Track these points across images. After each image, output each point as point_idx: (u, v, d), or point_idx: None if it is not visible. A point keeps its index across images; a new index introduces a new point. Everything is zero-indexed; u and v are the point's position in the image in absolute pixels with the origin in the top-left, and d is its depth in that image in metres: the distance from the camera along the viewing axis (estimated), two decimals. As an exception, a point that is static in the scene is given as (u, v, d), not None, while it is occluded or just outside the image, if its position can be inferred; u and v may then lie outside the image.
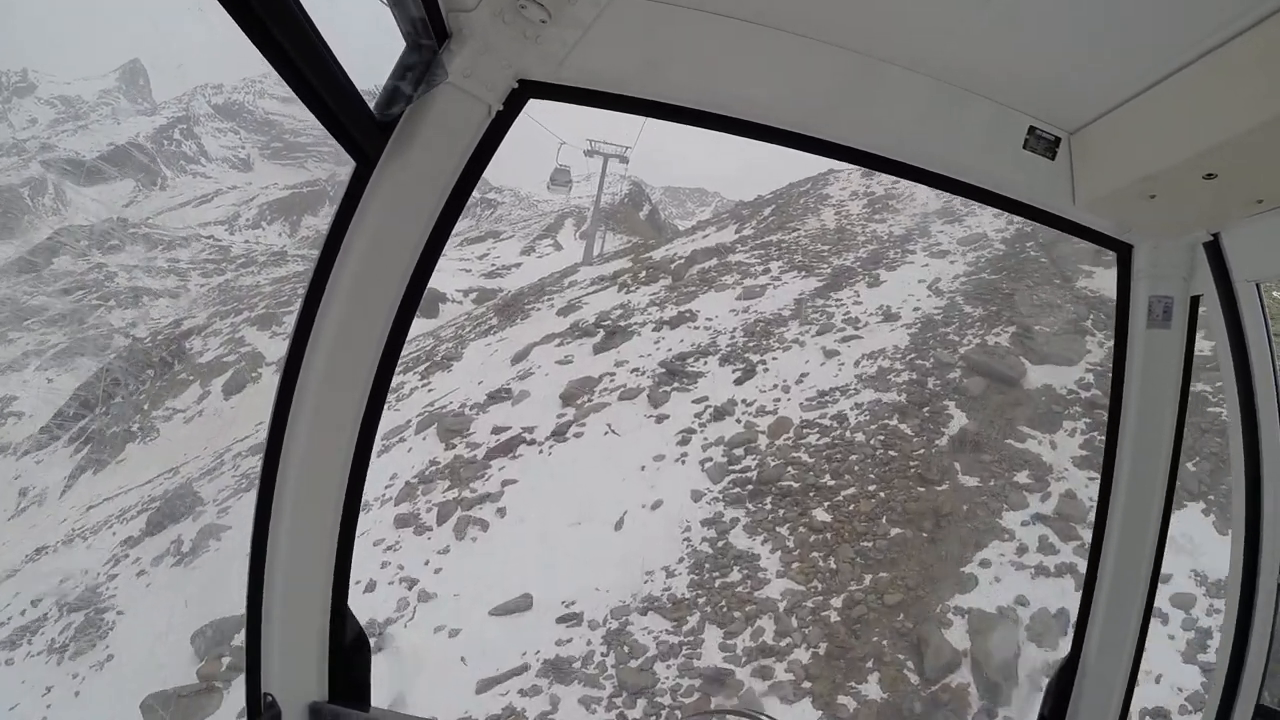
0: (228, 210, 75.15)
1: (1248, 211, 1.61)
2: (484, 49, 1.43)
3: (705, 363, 14.35)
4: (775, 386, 13.11)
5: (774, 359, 13.99)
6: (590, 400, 14.12)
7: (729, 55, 1.57)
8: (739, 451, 11.62)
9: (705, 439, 12.11)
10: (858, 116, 1.70)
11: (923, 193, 23.97)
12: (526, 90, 1.54)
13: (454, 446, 14.76)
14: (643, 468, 11.79)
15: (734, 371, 13.83)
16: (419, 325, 33.01)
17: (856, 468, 10.81)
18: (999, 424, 11.71)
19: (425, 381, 19.86)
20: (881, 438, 11.34)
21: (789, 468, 11.01)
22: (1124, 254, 1.95)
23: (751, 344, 14.69)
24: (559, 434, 13.32)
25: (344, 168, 1.47)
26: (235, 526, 15.86)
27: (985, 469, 10.86)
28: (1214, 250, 1.77)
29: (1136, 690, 2.07)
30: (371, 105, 1.40)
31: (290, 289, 45.01)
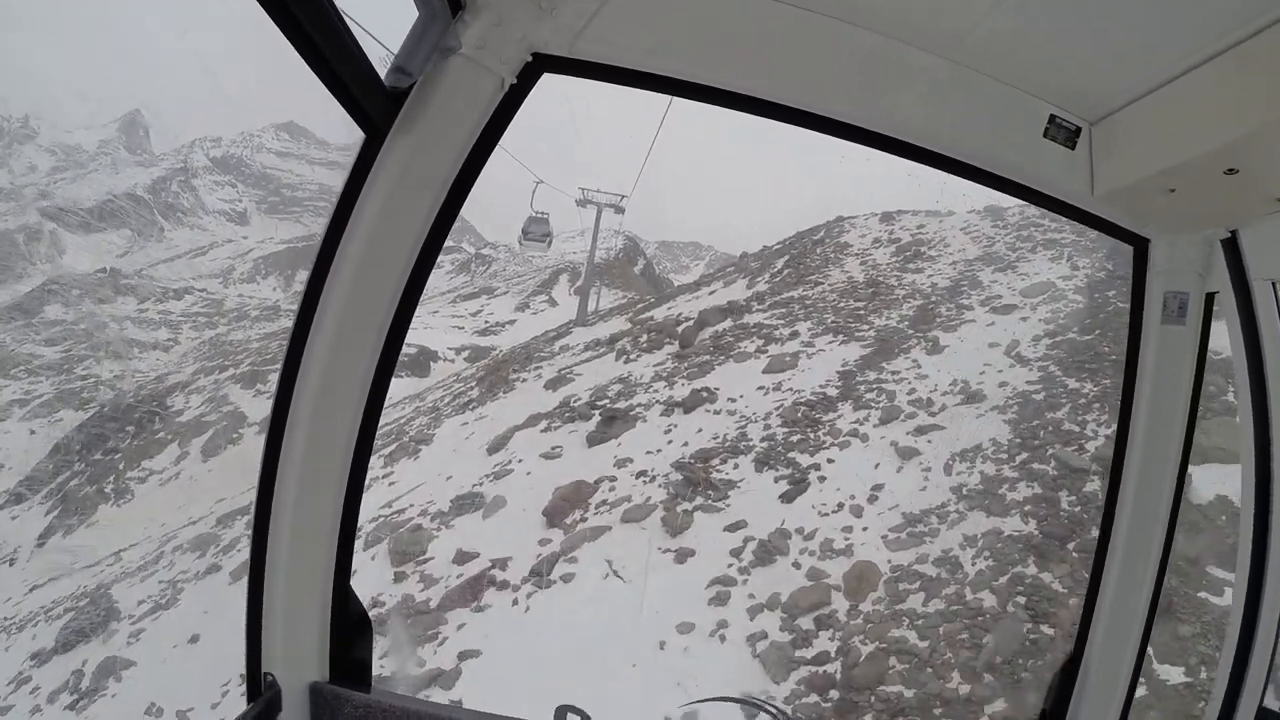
0: (223, 263, 71.58)
1: (1267, 209, 1.52)
2: (498, 20, 1.32)
3: (736, 465, 10.19)
4: (841, 506, 8.92)
5: (830, 461, 9.84)
6: (584, 519, 9.92)
7: (747, 33, 1.44)
8: (806, 624, 7.37)
9: (752, 596, 7.87)
10: (877, 99, 1.54)
11: (956, 238, 20.36)
12: (541, 64, 1.40)
13: (405, 578, 10.60)
14: (662, 645, 7.54)
15: (778, 480, 9.66)
16: (403, 387, 29.74)
17: (999, 658, 6.60)
18: (1181, 566, 7.63)
19: (388, 471, 15.83)
20: (1021, 599, 7.16)
21: (891, 658, 6.75)
22: (1140, 248, 1.82)
23: (795, 437, 10.56)
24: (540, 574, 9.10)
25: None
26: (140, 663, 13.06)
27: (1189, 649, 6.73)
28: (1231, 247, 1.66)
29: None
30: (383, 75, 1.27)
31: (278, 345, 41.79)
